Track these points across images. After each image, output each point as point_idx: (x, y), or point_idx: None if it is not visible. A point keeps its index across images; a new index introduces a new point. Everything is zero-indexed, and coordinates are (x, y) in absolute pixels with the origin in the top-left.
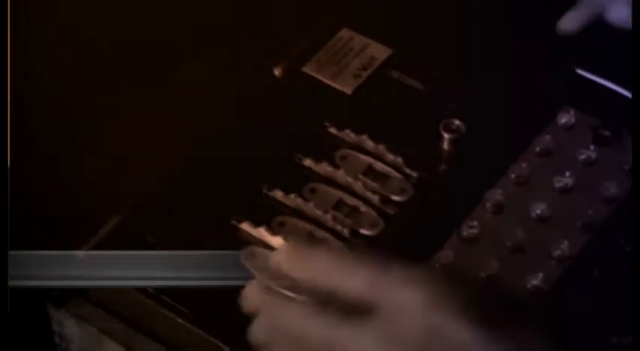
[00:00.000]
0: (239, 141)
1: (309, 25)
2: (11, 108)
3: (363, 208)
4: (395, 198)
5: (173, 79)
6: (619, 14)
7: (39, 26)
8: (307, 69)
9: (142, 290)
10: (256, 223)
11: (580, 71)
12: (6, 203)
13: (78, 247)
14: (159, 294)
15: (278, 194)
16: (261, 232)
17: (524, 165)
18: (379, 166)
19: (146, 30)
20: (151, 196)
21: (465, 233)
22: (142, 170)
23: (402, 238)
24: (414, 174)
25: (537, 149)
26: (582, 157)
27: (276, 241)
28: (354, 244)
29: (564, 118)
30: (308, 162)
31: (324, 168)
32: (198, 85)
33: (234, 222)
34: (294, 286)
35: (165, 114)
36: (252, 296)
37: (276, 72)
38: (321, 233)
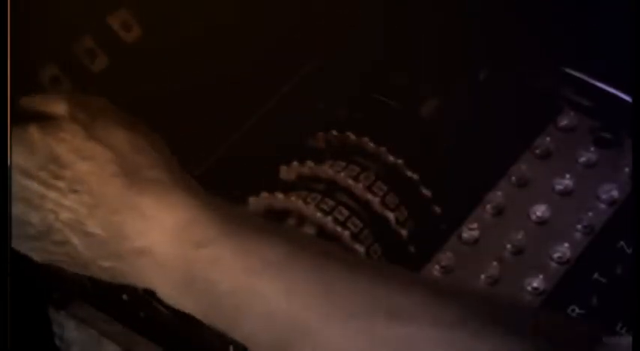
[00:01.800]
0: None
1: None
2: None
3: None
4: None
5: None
6: None
7: (39, 25)
8: None
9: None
10: None
11: (580, 74)
12: (6, 204)
13: None
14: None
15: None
16: None
17: (524, 167)
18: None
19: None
20: None
21: (465, 235)
22: None
23: (401, 240)
24: (415, 176)
25: (537, 151)
26: (582, 159)
27: None
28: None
29: (564, 120)
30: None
31: (325, 170)
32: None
33: None
34: None
35: (168, 116)
36: None
37: None
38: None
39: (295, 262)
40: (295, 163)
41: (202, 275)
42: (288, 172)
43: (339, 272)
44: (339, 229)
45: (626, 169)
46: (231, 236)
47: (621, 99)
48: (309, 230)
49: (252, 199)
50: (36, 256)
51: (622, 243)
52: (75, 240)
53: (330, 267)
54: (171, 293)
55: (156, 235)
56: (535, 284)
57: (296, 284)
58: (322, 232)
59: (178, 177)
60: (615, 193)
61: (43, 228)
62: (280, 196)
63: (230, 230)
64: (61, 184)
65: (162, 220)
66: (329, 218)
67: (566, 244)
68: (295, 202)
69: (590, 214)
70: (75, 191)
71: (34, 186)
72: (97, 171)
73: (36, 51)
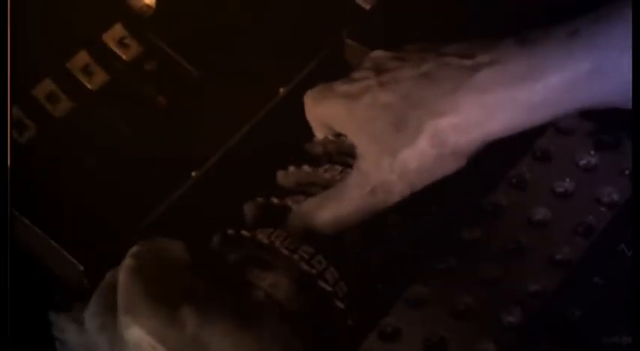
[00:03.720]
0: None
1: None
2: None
3: None
4: None
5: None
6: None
7: (39, 26)
8: None
9: None
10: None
11: None
12: (6, 205)
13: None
14: None
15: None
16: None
17: (524, 169)
18: None
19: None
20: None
21: (465, 237)
22: (146, 172)
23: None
24: None
25: (537, 154)
26: (582, 161)
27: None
28: None
29: (564, 123)
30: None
31: (321, 175)
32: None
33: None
34: None
35: (167, 118)
36: None
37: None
38: None
39: None
40: (292, 168)
41: None
42: (285, 177)
43: None
44: None
45: (627, 172)
46: None
47: None
48: None
49: (247, 204)
50: None
51: (622, 246)
52: None
53: None
54: None
55: None
56: (536, 287)
57: None
58: None
59: None
60: (615, 196)
61: None
62: (276, 201)
63: None
64: None
65: None
66: None
67: (567, 247)
68: (291, 207)
69: (590, 216)
70: None
71: None
72: None
73: (32, 66)
